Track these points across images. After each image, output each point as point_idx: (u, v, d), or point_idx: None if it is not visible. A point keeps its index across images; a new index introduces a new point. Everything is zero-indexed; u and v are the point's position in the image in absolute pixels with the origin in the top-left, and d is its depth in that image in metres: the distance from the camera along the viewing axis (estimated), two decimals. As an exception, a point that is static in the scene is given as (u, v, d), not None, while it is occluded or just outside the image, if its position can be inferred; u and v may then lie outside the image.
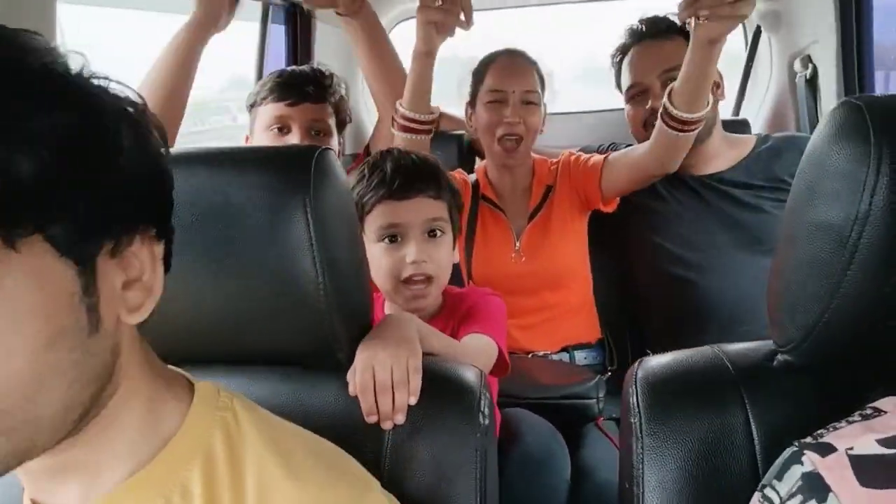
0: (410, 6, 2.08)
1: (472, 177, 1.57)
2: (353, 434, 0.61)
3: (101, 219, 0.39)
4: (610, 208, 1.45)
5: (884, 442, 0.44)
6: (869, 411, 0.49)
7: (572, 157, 1.49)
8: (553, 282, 1.45)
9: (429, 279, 0.99)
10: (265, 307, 0.63)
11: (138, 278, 0.43)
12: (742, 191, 1.41)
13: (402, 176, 0.99)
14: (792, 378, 0.59)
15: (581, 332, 1.48)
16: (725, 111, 1.95)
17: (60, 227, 0.37)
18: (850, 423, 0.48)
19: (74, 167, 0.38)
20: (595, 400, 1.20)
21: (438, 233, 1.00)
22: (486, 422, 0.65)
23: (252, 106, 1.37)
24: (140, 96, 0.44)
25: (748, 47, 1.91)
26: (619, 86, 1.57)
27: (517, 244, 1.46)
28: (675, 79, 1.40)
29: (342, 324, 0.65)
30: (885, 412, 0.48)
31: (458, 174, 1.52)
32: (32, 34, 0.39)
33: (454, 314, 1.03)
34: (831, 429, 0.48)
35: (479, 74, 1.47)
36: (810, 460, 0.45)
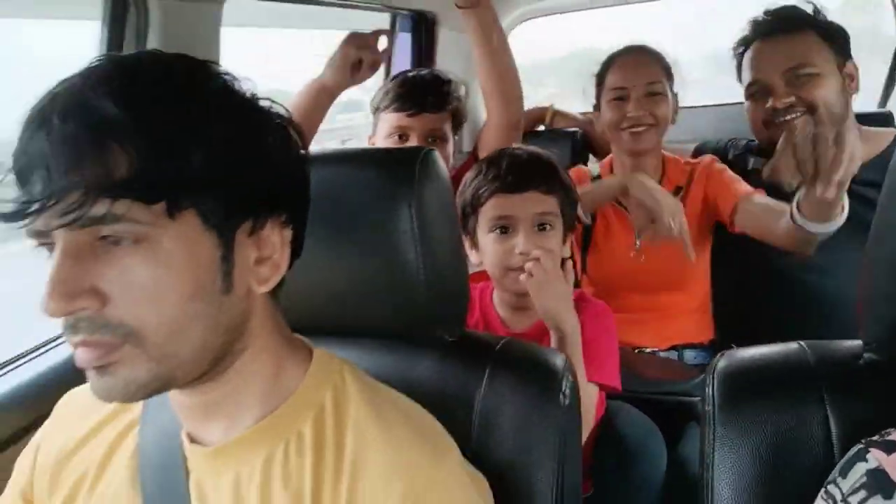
0: (534, 6, 2.14)
1: (595, 169, 1.58)
2: (446, 402, 0.69)
3: (242, 204, 0.51)
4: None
5: None
6: None
7: (715, 167, 1.46)
8: (671, 283, 1.44)
9: None
10: (374, 288, 0.73)
11: (269, 256, 0.54)
12: (874, 190, 1.31)
13: (514, 171, 1.06)
14: (877, 377, 0.58)
15: (692, 333, 1.46)
16: (871, 102, 1.79)
17: (209, 206, 0.49)
18: None
19: (230, 162, 0.49)
20: (699, 398, 1.19)
21: (548, 226, 1.06)
22: (568, 402, 0.70)
23: (376, 110, 1.47)
24: (287, 111, 0.56)
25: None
26: (740, 79, 1.50)
27: (638, 243, 1.44)
28: (799, 76, 1.34)
29: (439, 304, 0.73)
30: None
31: (577, 170, 1.55)
32: (215, 64, 0.53)
33: None
34: None
35: (601, 76, 1.50)
36: (875, 457, 0.45)
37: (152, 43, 0.97)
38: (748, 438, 0.59)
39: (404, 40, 1.90)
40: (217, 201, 0.49)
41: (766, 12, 1.43)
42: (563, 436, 0.68)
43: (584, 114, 1.98)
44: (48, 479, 0.60)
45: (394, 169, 0.72)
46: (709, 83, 2.41)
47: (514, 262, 1.03)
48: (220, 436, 0.56)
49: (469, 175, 1.12)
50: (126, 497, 0.57)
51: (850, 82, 1.35)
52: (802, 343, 0.65)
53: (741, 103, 1.51)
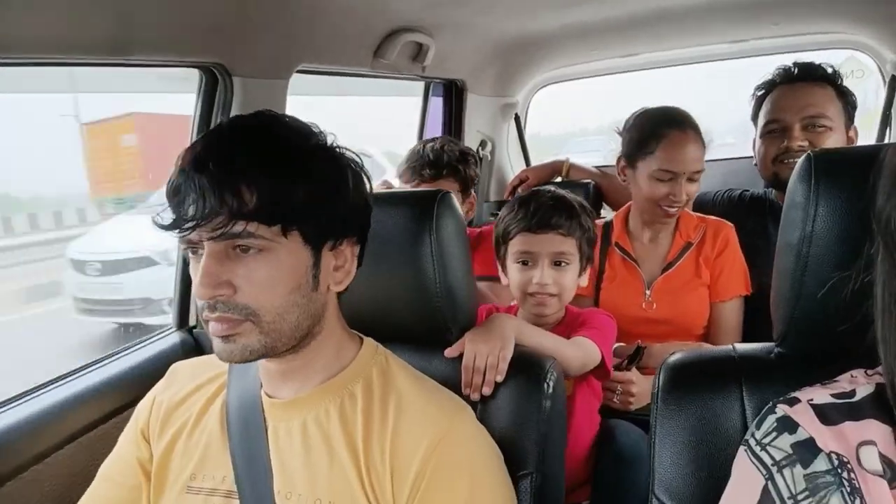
0: (548, 75, 2.39)
1: (607, 218, 1.68)
2: (457, 389, 0.88)
3: (329, 227, 0.72)
4: None
5: (834, 395, 0.57)
6: (826, 382, 0.62)
7: (731, 244, 1.50)
8: (684, 330, 1.49)
9: (551, 295, 1.22)
10: (402, 299, 0.93)
11: (343, 265, 0.76)
12: None
13: (538, 213, 1.23)
14: (784, 367, 0.75)
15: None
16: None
17: (308, 228, 0.70)
18: (811, 387, 0.61)
19: (322, 196, 0.70)
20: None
21: (564, 263, 1.23)
22: (551, 390, 0.89)
23: (400, 176, 1.68)
24: (359, 157, 0.77)
25: (886, 98, 1.92)
26: (754, 119, 1.62)
27: (648, 293, 1.54)
28: (815, 125, 1.48)
29: (451, 315, 0.94)
30: (838, 380, 0.60)
31: None
32: (312, 124, 0.74)
33: (570, 327, 1.24)
34: (797, 391, 0.62)
35: (646, 143, 1.48)
36: (782, 409, 0.57)
37: (234, 110, 1.24)
38: (682, 414, 0.76)
39: (437, 104, 2.16)
40: (313, 225, 0.70)
41: (795, 63, 1.57)
42: (547, 413, 0.87)
43: (598, 167, 2.19)
44: (160, 424, 0.82)
45: (418, 206, 0.93)
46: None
47: (531, 290, 1.22)
48: (292, 394, 0.77)
49: (504, 211, 1.32)
50: (217, 439, 0.78)
51: (850, 144, 1.50)
52: (730, 346, 0.82)
53: (737, 158, 1.68)
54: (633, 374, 1.37)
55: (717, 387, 0.76)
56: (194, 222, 0.66)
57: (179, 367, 0.88)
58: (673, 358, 0.83)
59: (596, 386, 1.30)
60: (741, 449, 0.58)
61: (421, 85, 2.11)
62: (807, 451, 0.52)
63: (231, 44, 1.19)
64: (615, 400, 1.36)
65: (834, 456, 0.51)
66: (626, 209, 1.66)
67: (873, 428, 0.51)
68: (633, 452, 1.26)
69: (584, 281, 1.30)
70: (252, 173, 0.67)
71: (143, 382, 0.89)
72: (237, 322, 0.68)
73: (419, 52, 1.71)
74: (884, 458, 0.49)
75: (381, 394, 0.76)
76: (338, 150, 0.75)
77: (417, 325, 0.95)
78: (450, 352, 0.95)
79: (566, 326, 1.25)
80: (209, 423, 0.80)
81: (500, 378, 0.91)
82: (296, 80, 1.37)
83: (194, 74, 1.22)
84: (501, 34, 1.96)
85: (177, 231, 0.67)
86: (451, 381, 0.89)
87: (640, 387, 1.36)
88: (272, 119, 0.74)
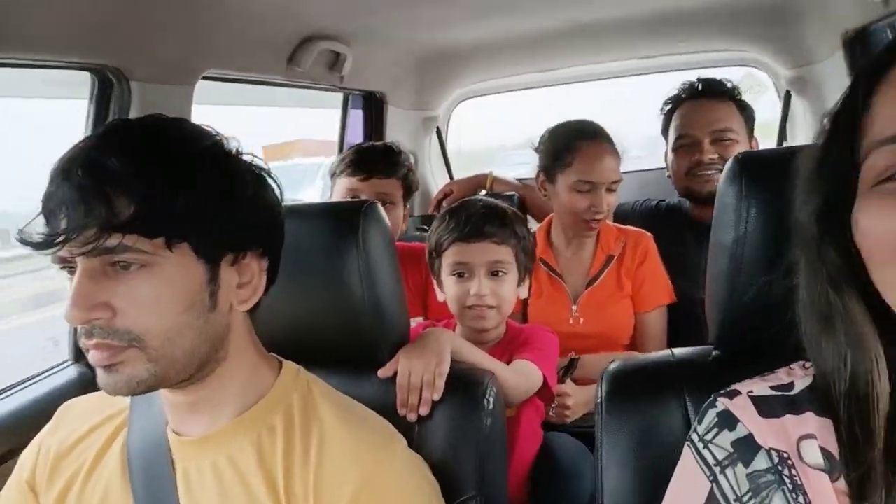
0: (467, 89, 2.39)
1: (532, 228, 1.61)
2: (390, 413, 0.82)
3: (225, 239, 0.64)
4: None
5: (774, 388, 0.56)
6: (765, 374, 0.61)
7: (651, 254, 1.53)
8: (612, 341, 1.50)
9: (489, 307, 1.17)
10: (327, 317, 0.86)
11: (249, 282, 0.68)
12: None
13: (471, 222, 1.19)
14: (721, 368, 0.74)
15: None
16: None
17: (198, 240, 0.62)
18: (750, 379, 0.60)
19: (214, 206, 0.63)
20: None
21: (501, 272, 1.19)
22: (490, 406, 0.84)
23: (333, 175, 1.61)
24: (265, 163, 0.69)
25: (781, 111, 2.05)
26: (664, 133, 1.69)
27: (574, 308, 1.53)
28: (722, 140, 1.57)
29: (382, 333, 0.87)
30: (777, 373, 0.59)
31: None
32: (207, 127, 0.66)
33: (511, 345, 1.21)
34: (737, 384, 0.60)
35: (562, 155, 1.49)
36: (722, 403, 0.56)
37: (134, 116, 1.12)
38: (626, 421, 0.74)
39: (356, 117, 2.10)
40: (204, 237, 0.62)
41: (699, 79, 1.66)
42: (487, 430, 0.82)
43: (520, 180, 2.20)
44: (48, 472, 0.70)
45: (343, 218, 0.87)
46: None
47: (469, 302, 1.18)
48: (202, 429, 0.68)
49: (435, 224, 1.27)
50: (117, 486, 0.68)
51: None
52: (673, 350, 0.81)
53: (651, 170, 1.74)
54: (568, 386, 1.36)
55: (659, 393, 0.75)
56: (63, 236, 0.57)
57: (71, 406, 0.76)
58: (613, 367, 0.81)
59: (540, 406, 1.27)
60: (686, 445, 0.57)
61: (339, 96, 2.05)
62: (747, 449, 0.51)
63: (126, 45, 1.08)
64: (551, 413, 1.34)
65: (774, 453, 0.50)
66: (548, 223, 1.66)
67: (812, 421, 0.51)
68: (571, 465, 1.23)
69: (524, 293, 1.27)
70: (125, 179, 0.58)
71: (34, 425, 0.76)
72: (119, 349, 0.60)
73: (336, 61, 1.65)
74: (824, 452, 0.49)
75: (303, 424, 0.68)
76: (237, 155, 0.67)
77: (345, 345, 0.88)
78: (383, 372, 0.88)
79: (507, 344, 1.22)
80: (107, 469, 0.69)
81: (436, 396, 0.85)
82: (212, 87, 1.26)
83: (86, 78, 1.10)
84: (420, 46, 1.94)
85: (47, 249, 0.58)
86: (386, 404, 0.83)
87: (576, 398, 1.35)
88: (157, 122, 0.66)
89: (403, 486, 0.67)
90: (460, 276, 1.20)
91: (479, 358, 1.02)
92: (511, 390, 1.03)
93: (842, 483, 0.48)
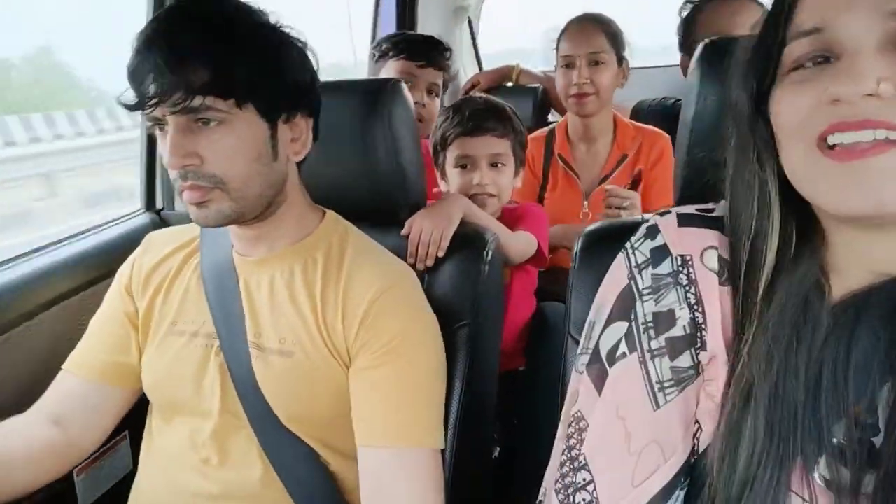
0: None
1: (552, 126, 1.77)
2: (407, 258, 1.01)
3: (280, 100, 0.80)
4: None
5: (699, 209, 0.64)
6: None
7: (666, 149, 1.59)
8: None
9: (490, 195, 1.33)
10: (358, 180, 1.03)
11: (299, 137, 0.85)
12: None
13: (473, 118, 1.31)
14: None
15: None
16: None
17: (260, 101, 0.78)
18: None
19: (269, 70, 0.78)
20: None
21: (500, 164, 1.33)
22: (489, 257, 1.02)
23: (378, 58, 1.68)
24: (303, 35, 0.84)
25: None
26: (684, 36, 1.69)
27: (585, 203, 1.64)
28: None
29: (403, 195, 1.05)
30: (708, 205, 0.67)
31: (532, 138, 1.71)
32: (254, 5, 0.81)
33: (507, 222, 1.35)
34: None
35: (557, 42, 1.67)
36: (654, 219, 0.65)
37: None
38: (594, 267, 0.89)
39: (389, 4, 2.17)
40: (264, 98, 0.79)
41: None
42: (484, 275, 1.00)
43: (545, 72, 2.27)
44: (141, 282, 0.92)
45: (373, 94, 1.01)
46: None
47: (472, 191, 1.32)
48: (262, 253, 0.88)
49: (438, 120, 1.39)
50: (194, 291, 0.89)
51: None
52: (643, 215, 0.96)
53: (673, 66, 1.79)
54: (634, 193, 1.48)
55: (624, 244, 0.90)
56: (156, 99, 0.73)
57: (154, 236, 0.98)
58: (591, 227, 0.97)
59: (532, 273, 1.45)
60: (621, 251, 0.66)
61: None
62: (659, 255, 0.61)
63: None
64: (625, 206, 1.42)
65: (679, 258, 0.60)
66: (566, 119, 1.74)
67: (718, 237, 0.60)
68: (559, 326, 1.43)
69: (519, 182, 1.40)
70: (201, 52, 0.73)
71: (115, 259, 0.98)
72: (207, 189, 0.77)
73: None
74: (722, 259, 0.59)
75: (338, 256, 0.88)
76: (281, 28, 0.81)
77: (373, 203, 1.05)
78: (404, 232, 1.05)
79: (505, 222, 1.36)
80: (186, 278, 0.91)
81: (440, 253, 1.02)
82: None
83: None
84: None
85: (141, 110, 0.74)
86: (402, 253, 1.01)
87: (633, 199, 1.45)
88: (214, 1, 0.80)
89: (411, 299, 0.87)
90: (463, 167, 1.33)
91: (488, 221, 1.19)
92: (511, 249, 1.21)
93: (726, 287, 0.58)
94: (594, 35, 1.62)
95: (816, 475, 0.50)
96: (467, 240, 1.05)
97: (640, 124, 1.69)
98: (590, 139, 1.69)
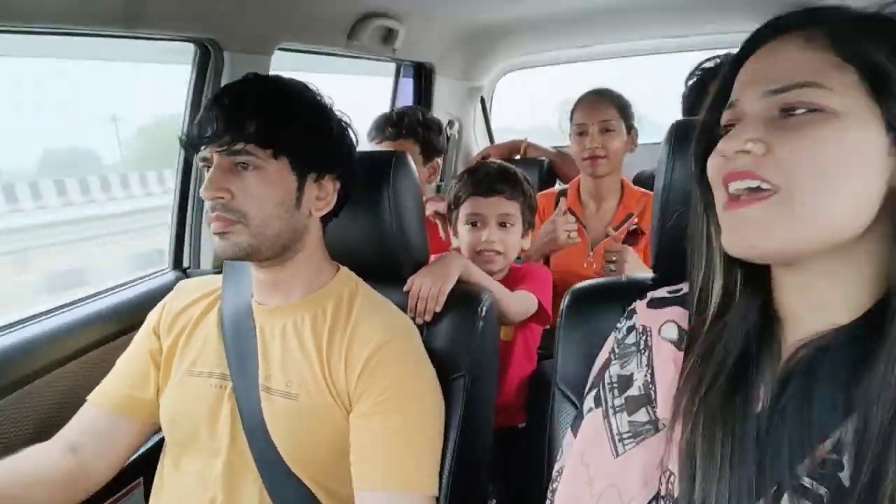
0: (512, 62, 2.59)
1: (564, 187, 1.93)
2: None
3: (313, 160, 0.92)
4: None
5: (669, 292, 0.73)
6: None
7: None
8: None
9: (497, 253, 1.42)
10: (366, 242, 1.12)
11: (325, 197, 0.95)
12: None
13: (485, 180, 1.43)
14: (655, 285, 0.93)
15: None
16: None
17: (294, 157, 0.90)
18: (662, 289, 0.76)
19: (308, 134, 0.90)
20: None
21: (508, 224, 1.43)
22: (484, 313, 1.09)
23: (371, 139, 1.86)
24: (345, 114, 0.98)
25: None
26: (690, 105, 1.74)
27: (590, 254, 1.77)
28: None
29: (406, 255, 1.14)
30: (682, 284, 0.74)
31: (542, 195, 1.90)
32: (310, 85, 0.95)
33: (512, 280, 1.44)
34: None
35: (572, 113, 1.84)
36: (635, 304, 0.74)
37: (225, 79, 1.41)
38: (580, 326, 0.96)
39: (407, 85, 2.35)
40: (299, 156, 0.90)
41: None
42: (480, 331, 1.07)
43: (554, 147, 2.41)
44: (168, 324, 1.01)
45: (379, 164, 1.12)
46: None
47: (480, 248, 1.42)
48: (278, 302, 0.97)
49: (455, 180, 1.51)
50: (214, 336, 0.98)
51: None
52: (624, 276, 1.04)
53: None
54: (628, 248, 1.57)
55: (608, 305, 0.98)
56: (208, 140, 0.87)
57: (184, 284, 1.08)
58: (577, 286, 1.04)
59: (535, 331, 1.52)
60: (613, 330, 0.76)
61: (392, 66, 2.29)
62: (630, 330, 0.71)
63: (222, 21, 1.36)
64: (612, 268, 1.53)
65: (642, 329, 0.69)
66: (578, 180, 1.89)
67: (680, 311, 0.69)
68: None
69: (527, 243, 1.50)
70: (254, 108, 0.87)
71: (142, 312, 1.07)
72: (231, 222, 0.88)
73: (389, 35, 1.89)
74: (681, 329, 0.67)
75: (347, 309, 0.96)
76: (324, 101, 0.95)
77: (379, 262, 1.14)
78: (405, 288, 1.14)
79: (509, 281, 1.45)
80: (207, 325, 1.00)
81: (437, 308, 1.09)
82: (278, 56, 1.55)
83: (189, 48, 1.39)
84: (467, 22, 2.15)
85: (195, 150, 0.88)
86: (405, 308, 1.09)
87: (632, 258, 1.54)
88: (278, 78, 0.95)
89: (411, 350, 0.95)
90: (474, 225, 1.43)
91: (484, 280, 1.27)
92: (508, 307, 1.28)
93: (681, 353, 0.64)
94: (605, 106, 1.79)
95: None
96: (464, 297, 1.13)
97: (645, 189, 1.81)
98: (599, 198, 1.82)
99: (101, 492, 1.00)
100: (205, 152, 0.88)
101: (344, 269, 1.02)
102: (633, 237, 1.64)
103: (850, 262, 0.55)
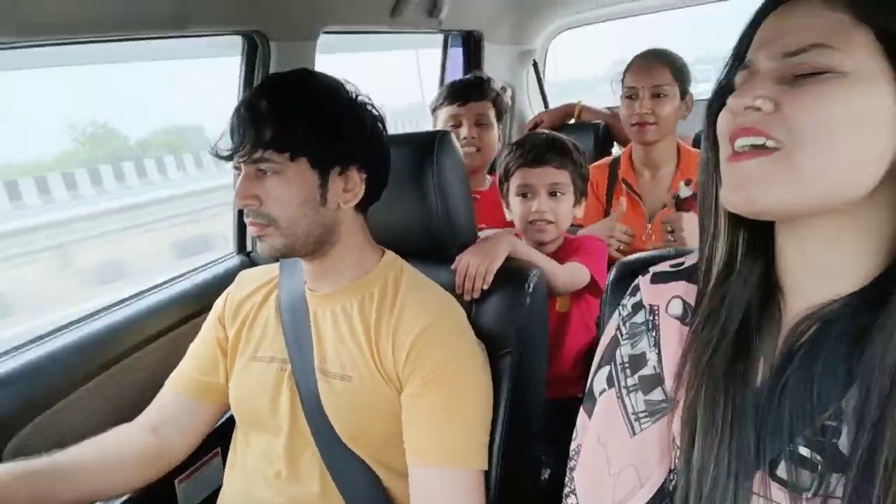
0: (566, 20, 2.50)
1: (616, 154, 1.85)
2: (458, 294, 1.10)
3: (332, 157, 0.94)
4: None
5: (672, 265, 0.71)
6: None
7: None
8: None
9: (549, 222, 1.41)
10: (412, 223, 1.14)
11: (352, 189, 0.97)
12: None
13: (534, 150, 1.41)
14: None
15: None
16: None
17: (313, 156, 0.92)
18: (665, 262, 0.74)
19: (323, 131, 0.92)
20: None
21: (559, 193, 1.41)
22: (531, 290, 1.10)
23: (434, 110, 1.85)
24: (373, 104, 0.99)
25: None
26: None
27: (648, 226, 1.71)
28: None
29: (451, 235, 1.15)
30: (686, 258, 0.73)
31: (595, 166, 1.82)
32: (340, 79, 0.97)
33: (565, 252, 1.44)
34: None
35: (623, 75, 1.76)
36: (638, 279, 0.73)
37: (273, 68, 1.45)
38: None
39: (456, 55, 2.32)
40: (316, 155, 0.93)
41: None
42: (527, 310, 1.08)
43: (608, 108, 2.33)
44: (232, 313, 1.08)
45: (422, 146, 1.13)
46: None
47: (531, 218, 1.41)
48: (328, 289, 1.02)
49: (504, 153, 1.50)
50: (273, 322, 1.04)
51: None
52: (673, 249, 1.01)
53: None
54: (683, 215, 1.50)
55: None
56: (230, 151, 0.91)
57: (245, 274, 1.15)
58: (623, 259, 1.03)
59: (592, 302, 1.50)
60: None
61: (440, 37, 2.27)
62: (637, 308, 0.70)
63: (266, 11, 1.40)
64: (671, 239, 1.49)
65: (649, 307, 0.68)
66: (631, 147, 1.81)
67: (685, 286, 0.67)
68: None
69: (580, 212, 1.47)
70: (267, 115, 0.90)
71: (210, 296, 1.15)
72: (263, 226, 0.93)
73: (434, 6, 1.87)
74: (686, 304, 0.66)
75: (393, 292, 0.99)
76: (346, 97, 0.96)
77: (425, 243, 1.16)
78: (453, 266, 1.15)
79: (563, 252, 1.44)
80: (266, 312, 1.06)
81: (485, 286, 1.11)
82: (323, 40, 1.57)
83: (238, 41, 1.44)
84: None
85: (226, 159, 0.93)
86: (451, 287, 1.11)
87: (689, 226, 1.48)
88: (298, 76, 0.96)
89: (458, 329, 0.97)
90: (524, 196, 1.42)
91: (533, 256, 1.27)
92: (558, 280, 1.28)
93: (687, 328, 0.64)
94: (658, 69, 1.70)
95: (777, 480, 0.54)
96: (512, 274, 1.14)
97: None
98: (653, 166, 1.75)
99: (184, 461, 1.09)
100: (234, 160, 0.93)
101: (389, 253, 1.05)
102: (690, 203, 1.58)
103: (855, 228, 0.55)
